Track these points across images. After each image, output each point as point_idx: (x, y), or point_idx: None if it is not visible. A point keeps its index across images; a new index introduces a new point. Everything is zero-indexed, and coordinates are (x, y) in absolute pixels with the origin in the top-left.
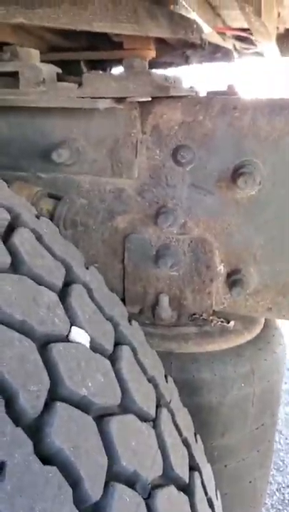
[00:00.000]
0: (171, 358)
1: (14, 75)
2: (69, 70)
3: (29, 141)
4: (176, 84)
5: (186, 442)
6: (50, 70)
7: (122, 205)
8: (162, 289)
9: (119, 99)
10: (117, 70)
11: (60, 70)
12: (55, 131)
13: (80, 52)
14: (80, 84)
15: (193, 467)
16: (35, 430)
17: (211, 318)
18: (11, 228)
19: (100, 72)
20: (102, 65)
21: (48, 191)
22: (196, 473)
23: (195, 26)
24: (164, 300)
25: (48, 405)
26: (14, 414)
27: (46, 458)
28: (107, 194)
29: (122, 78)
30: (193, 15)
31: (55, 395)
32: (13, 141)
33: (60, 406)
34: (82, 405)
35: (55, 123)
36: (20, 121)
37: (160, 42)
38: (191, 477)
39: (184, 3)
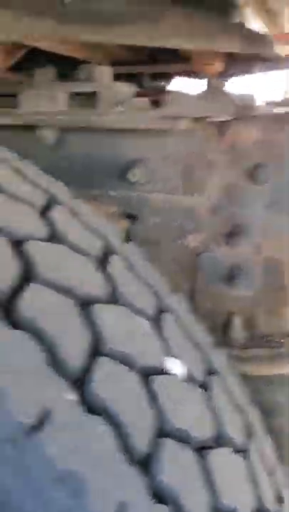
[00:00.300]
0: (246, 380)
1: (90, 95)
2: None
3: (104, 160)
4: (255, 102)
5: (273, 472)
6: (126, 89)
7: (194, 223)
8: (234, 309)
9: (198, 119)
10: (176, 82)
11: (136, 89)
12: (131, 150)
13: (146, 66)
14: (157, 103)
15: (281, 499)
16: (146, 468)
17: (284, 340)
18: (103, 255)
19: (180, 91)
20: (161, 77)
21: (122, 210)
22: (284, 505)
23: (266, 40)
24: (237, 321)
25: (155, 441)
26: (126, 452)
27: (158, 496)
28: (179, 212)
29: (203, 98)
30: (258, 26)
31: (160, 430)
32: (89, 159)
33: (165, 441)
34: (183, 439)
35: (130, 142)
36: (97, 140)
37: (228, 55)
38: (280, 509)
39: (247, 13)
